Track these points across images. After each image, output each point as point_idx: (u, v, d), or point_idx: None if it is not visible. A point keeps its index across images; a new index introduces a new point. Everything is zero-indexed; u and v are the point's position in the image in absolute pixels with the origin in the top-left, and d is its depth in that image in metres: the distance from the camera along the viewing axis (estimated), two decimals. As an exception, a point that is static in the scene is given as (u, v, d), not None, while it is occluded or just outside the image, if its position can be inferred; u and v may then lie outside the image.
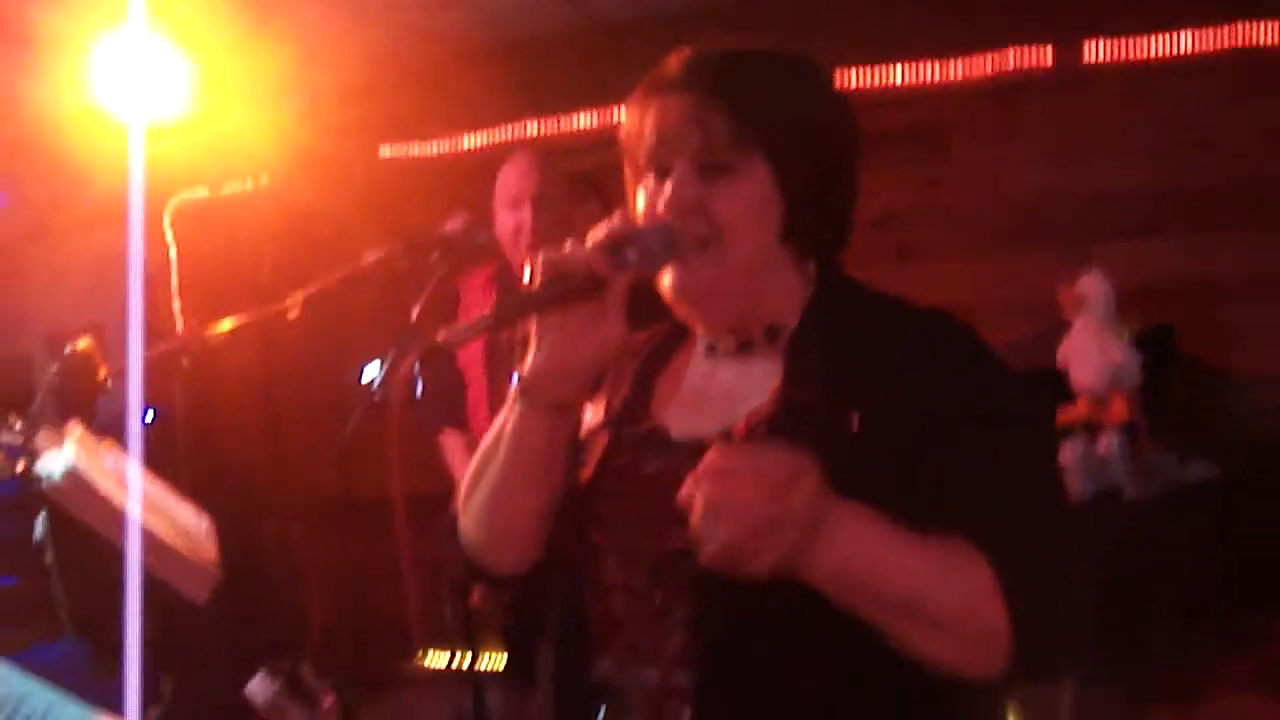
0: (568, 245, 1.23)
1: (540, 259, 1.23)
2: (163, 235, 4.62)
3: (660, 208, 1.26)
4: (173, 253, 4.80)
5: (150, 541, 1.84)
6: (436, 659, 4.96)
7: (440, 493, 4.00)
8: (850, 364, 1.12)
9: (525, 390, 1.28)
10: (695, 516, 1.08)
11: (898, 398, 1.19)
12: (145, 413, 2.45)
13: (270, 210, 5.04)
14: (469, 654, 4.50)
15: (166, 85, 3.87)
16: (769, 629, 1.18)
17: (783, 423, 1.22)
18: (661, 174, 1.28)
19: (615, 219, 1.25)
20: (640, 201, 1.31)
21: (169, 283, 4.81)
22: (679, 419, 1.32)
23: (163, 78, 3.85)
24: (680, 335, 1.38)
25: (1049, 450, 1.48)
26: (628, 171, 1.35)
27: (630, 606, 1.26)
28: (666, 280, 1.29)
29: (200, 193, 4.84)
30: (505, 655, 4.36)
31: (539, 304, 1.23)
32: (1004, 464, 1.19)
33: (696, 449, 1.21)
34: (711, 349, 1.35)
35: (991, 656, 1.14)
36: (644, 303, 1.31)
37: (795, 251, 1.31)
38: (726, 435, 1.25)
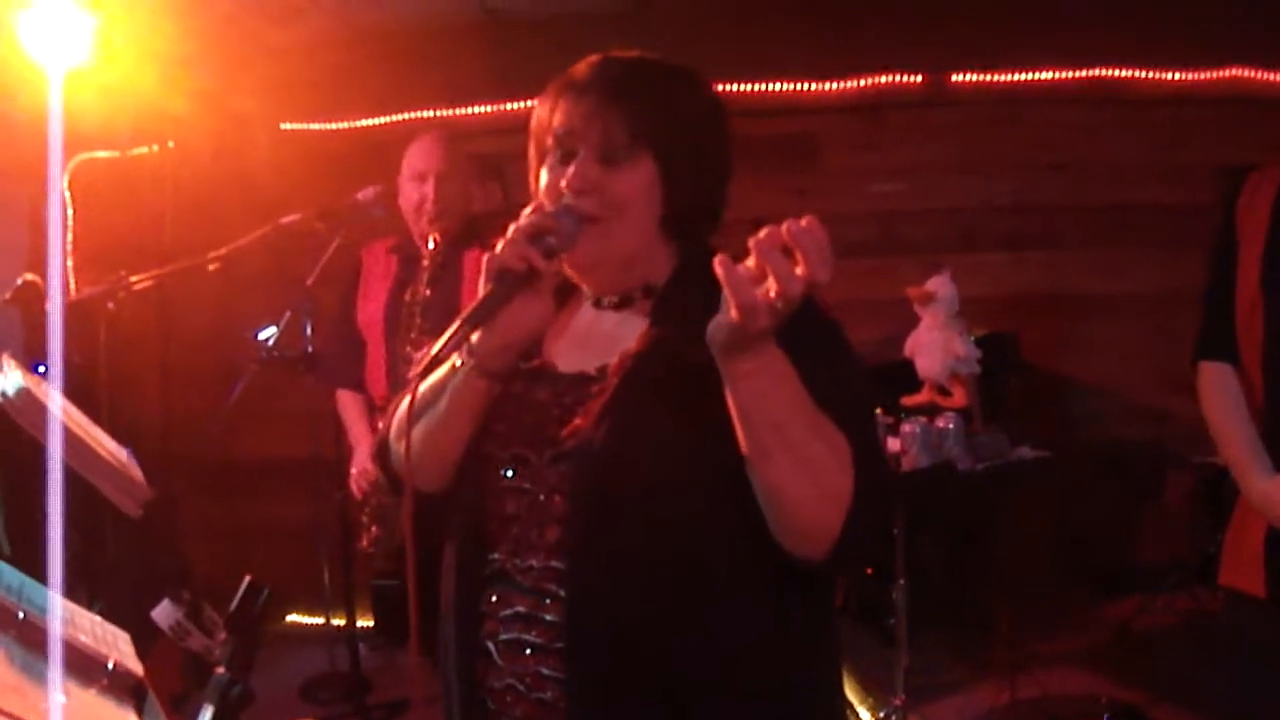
0: (498, 246, 1.49)
1: (486, 262, 1.49)
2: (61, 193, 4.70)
3: (563, 185, 1.52)
4: (69, 211, 4.88)
5: (92, 456, 2.01)
6: (312, 618, 5.11)
7: (331, 458, 4.14)
8: (706, 313, 1.30)
9: (474, 361, 1.55)
10: (814, 250, 1.18)
11: None
12: (35, 367, 2.55)
13: (174, 175, 5.14)
14: (344, 614, 4.66)
15: (75, 43, 3.94)
16: (630, 521, 1.43)
17: (648, 358, 1.50)
18: (566, 158, 1.54)
19: (527, 215, 1.51)
20: (544, 179, 1.57)
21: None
22: (565, 357, 1.60)
23: (72, 35, 3.92)
24: (567, 291, 1.64)
25: (870, 393, 1.71)
26: (532, 153, 1.61)
27: (520, 506, 1.52)
28: None
29: (104, 155, 4.93)
30: (375, 616, 4.54)
31: (498, 302, 1.48)
32: (840, 388, 1.41)
33: (579, 381, 1.53)
34: (597, 302, 1.63)
35: (829, 517, 1.34)
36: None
37: (671, 231, 1.59)
38: (603, 369, 1.53)
